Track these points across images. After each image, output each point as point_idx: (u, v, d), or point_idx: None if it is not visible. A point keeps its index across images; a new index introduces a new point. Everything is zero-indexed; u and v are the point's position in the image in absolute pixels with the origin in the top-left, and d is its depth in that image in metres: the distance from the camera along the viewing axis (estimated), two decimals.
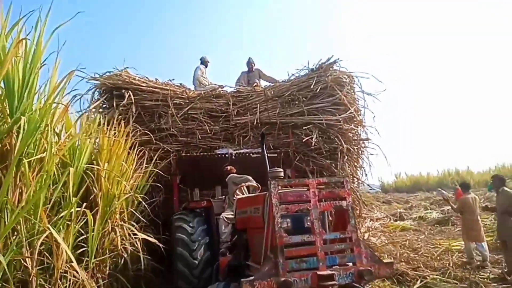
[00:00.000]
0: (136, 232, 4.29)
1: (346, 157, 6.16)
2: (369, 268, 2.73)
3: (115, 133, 4.75)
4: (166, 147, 6.16)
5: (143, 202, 5.00)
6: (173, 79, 6.85)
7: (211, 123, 6.49)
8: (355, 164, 6.73)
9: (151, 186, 5.67)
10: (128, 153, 4.92)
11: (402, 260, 6.08)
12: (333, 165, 6.07)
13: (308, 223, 2.85)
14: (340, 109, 6.29)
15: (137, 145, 5.26)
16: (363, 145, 6.65)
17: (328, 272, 2.61)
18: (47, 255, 2.88)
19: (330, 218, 3.51)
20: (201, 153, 6.14)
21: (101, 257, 3.79)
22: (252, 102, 6.59)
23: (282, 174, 3.70)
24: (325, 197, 2.89)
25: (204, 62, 7.71)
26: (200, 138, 6.36)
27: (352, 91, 6.57)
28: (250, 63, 7.71)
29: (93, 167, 3.91)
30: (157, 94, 6.35)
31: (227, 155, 5.72)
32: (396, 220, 10.19)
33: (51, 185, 3.07)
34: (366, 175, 6.97)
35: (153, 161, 5.55)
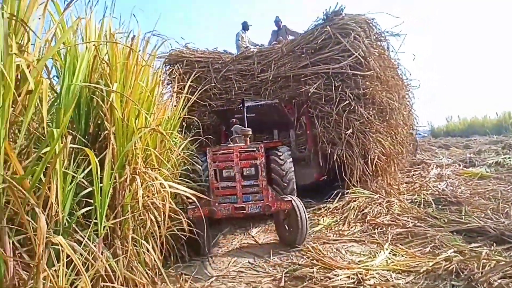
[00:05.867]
0: (163, 182, 3.16)
1: (349, 101, 6.55)
2: (269, 204, 4.27)
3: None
4: (211, 103, 8.03)
5: (168, 140, 4.08)
6: (217, 48, 8.52)
7: (242, 81, 7.92)
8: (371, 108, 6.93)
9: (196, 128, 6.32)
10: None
11: None
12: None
13: (246, 172, 4.47)
14: (345, 56, 6.64)
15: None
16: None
17: (242, 204, 4.32)
18: (32, 221, 2.03)
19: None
20: (228, 107, 7.70)
21: (118, 219, 2.86)
22: (272, 60, 7.60)
23: (250, 132, 5.07)
24: (245, 158, 4.45)
25: (245, 27, 8.93)
26: (234, 94, 7.94)
27: (361, 36, 6.68)
28: (277, 22, 8.50)
29: (98, 88, 2.83)
30: (201, 63, 8.17)
31: (239, 107, 7.11)
32: (466, 167, 9.26)
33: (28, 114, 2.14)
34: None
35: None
